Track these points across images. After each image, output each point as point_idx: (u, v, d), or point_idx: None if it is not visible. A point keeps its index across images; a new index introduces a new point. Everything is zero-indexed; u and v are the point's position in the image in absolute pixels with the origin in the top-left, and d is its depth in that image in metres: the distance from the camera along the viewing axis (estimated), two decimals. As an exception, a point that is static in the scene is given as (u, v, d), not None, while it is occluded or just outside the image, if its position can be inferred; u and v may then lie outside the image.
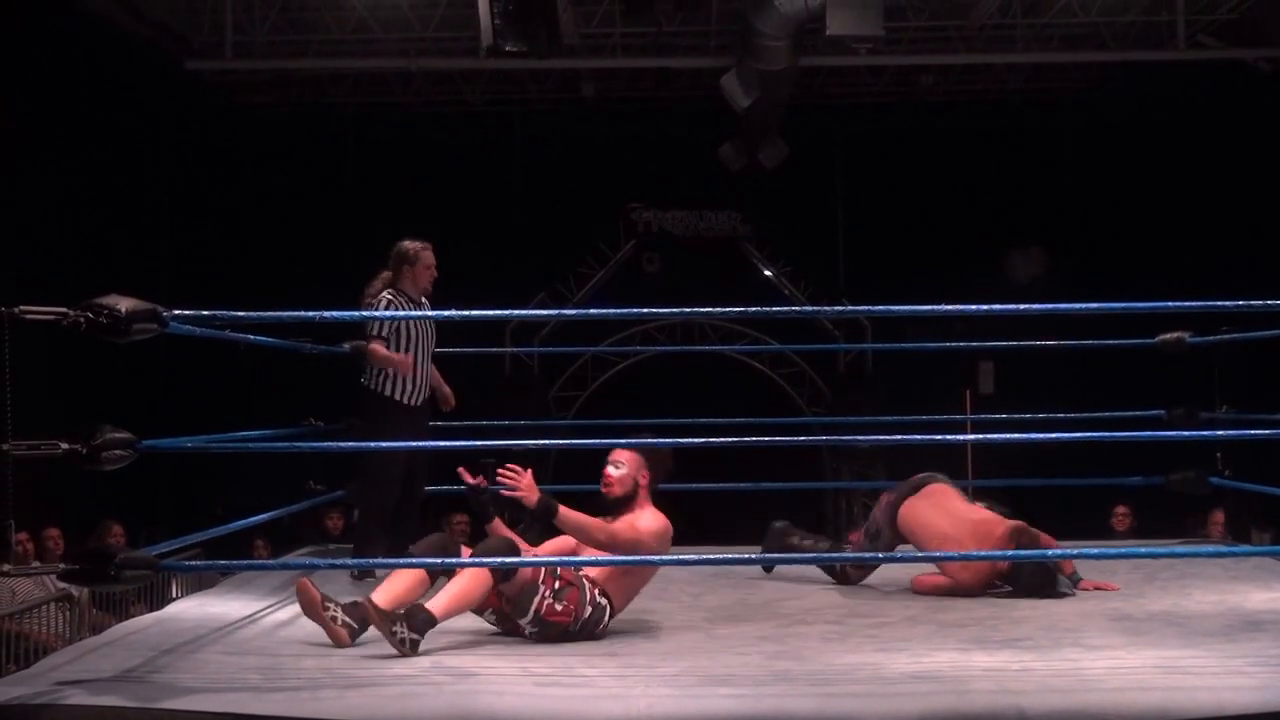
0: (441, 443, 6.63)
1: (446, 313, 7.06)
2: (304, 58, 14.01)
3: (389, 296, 7.22)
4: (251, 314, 5.51)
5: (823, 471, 15.68)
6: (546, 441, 7.12)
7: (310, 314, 5.35)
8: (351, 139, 16.04)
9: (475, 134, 16.17)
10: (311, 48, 13.91)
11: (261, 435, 6.89)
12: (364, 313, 7.03)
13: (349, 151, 16.03)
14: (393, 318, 7.11)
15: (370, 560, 6.63)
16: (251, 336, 6.61)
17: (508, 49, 11.12)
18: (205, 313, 5.26)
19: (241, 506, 7.19)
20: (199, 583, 7.45)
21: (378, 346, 7.16)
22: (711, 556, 6.46)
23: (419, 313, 7.21)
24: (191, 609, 6.25)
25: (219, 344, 6.59)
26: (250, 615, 6.06)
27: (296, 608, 6.18)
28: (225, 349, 7.00)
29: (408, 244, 7.35)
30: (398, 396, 7.23)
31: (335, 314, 5.34)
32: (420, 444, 6.95)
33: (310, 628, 5.65)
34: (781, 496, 13.59)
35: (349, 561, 6.95)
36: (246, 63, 13.71)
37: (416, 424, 7.29)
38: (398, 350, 7.18)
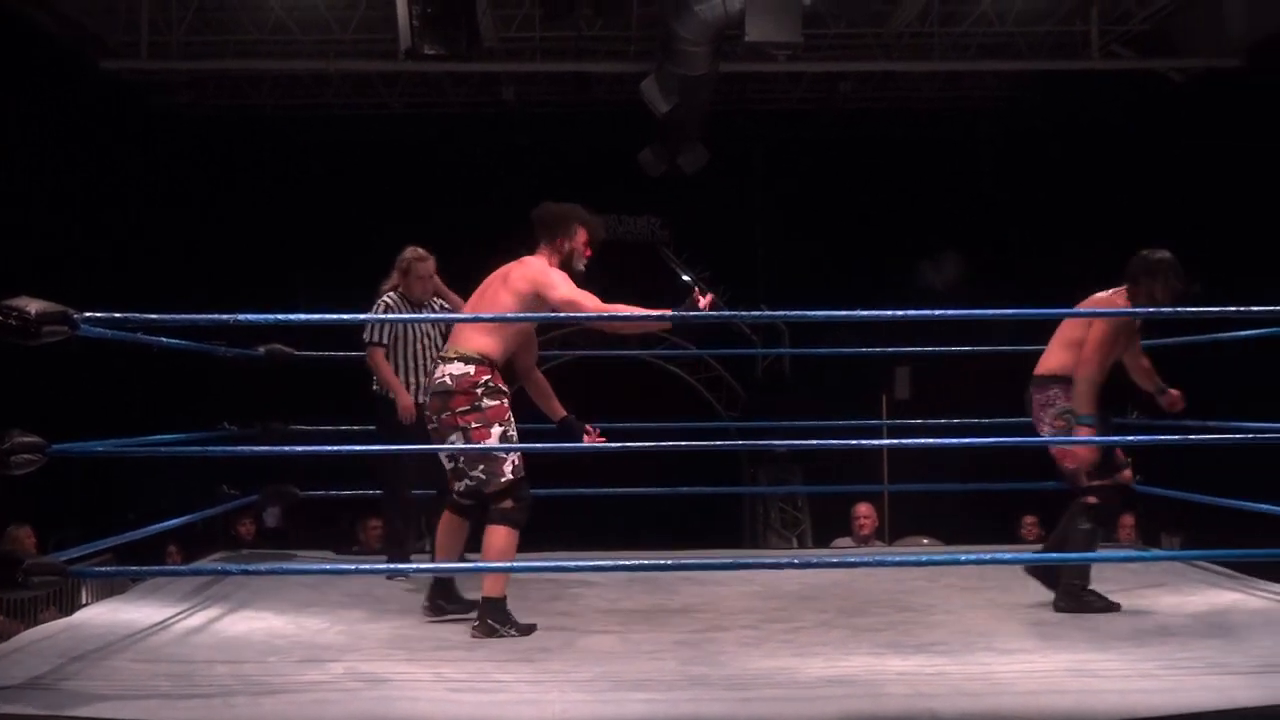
0: (359, 447, 6.59)
1: (363, 316, 7.01)
2: (221, 58, 13.89)
3: (386, 300, 7.37)
4: (165, 316, 5.43)
5: (740, 476, 15.73)
6: (459, 446, 7.07)
7: (224, 317, 5.30)
8: (270, 141, 15.92)
9: (395, 137, 16.08)
10: (229, 48, 13.79)
11: (174, 439, 6.81)
12: (276, 315, 6.94)
13: (268, 153, 15.90)
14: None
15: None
16: (165, 340, 6.54)
17: (427, 51, 11.09)
18: (117, 315, 5.19)
19: (154, 511, 7.11)
20: (110, 588, 7.37)
21: (378, 357, 7.30)
22: (627, 561, 6.43)
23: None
24: (102, 615, 6.16)
25: (134, 347, 6.50)
26: (162, 621, 5.99)
27: (210, 613, 6.15)
28: (140, 352, 6.91)
29: (407, 252, 7.46)
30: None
31: (249, 317, 5.27)
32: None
33: (226, 634, 5.63)
34: (698, 501, 13.66)
35: (261, 567, 6.88)
36: (163, 63, 13.58)
37: (421, 423, 7.27)
38: (393, 347, 7.31)
